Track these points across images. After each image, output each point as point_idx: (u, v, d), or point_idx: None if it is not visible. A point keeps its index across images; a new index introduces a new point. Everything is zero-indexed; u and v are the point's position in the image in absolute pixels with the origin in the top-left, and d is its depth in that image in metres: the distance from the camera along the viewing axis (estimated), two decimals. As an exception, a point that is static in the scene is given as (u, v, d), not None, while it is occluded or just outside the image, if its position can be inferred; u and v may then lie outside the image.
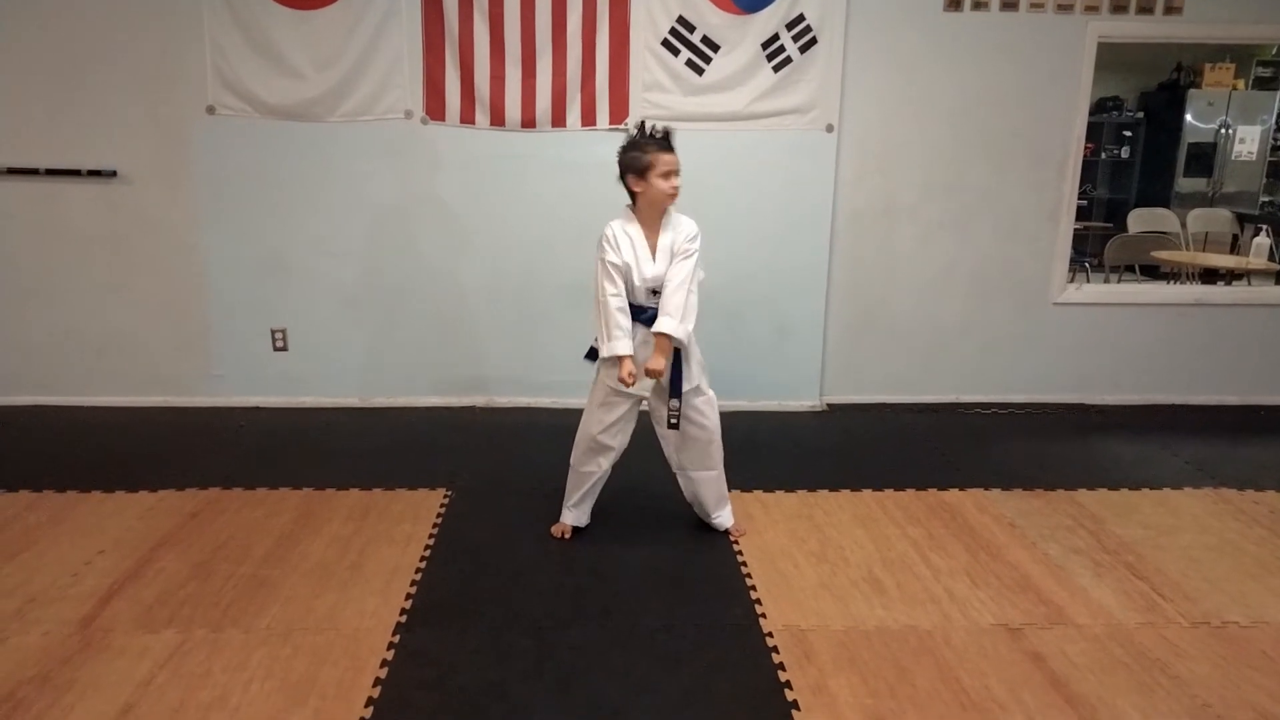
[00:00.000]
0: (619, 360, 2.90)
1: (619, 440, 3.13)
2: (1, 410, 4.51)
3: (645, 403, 3.12)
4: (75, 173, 4.31)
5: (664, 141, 2.89)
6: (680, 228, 2.95)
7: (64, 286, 4.47)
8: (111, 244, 4.44)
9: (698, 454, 3.14)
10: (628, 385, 2.93)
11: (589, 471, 3.17)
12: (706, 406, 3.10)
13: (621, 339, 2.90)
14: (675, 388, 3.00)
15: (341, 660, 2.45)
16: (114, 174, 4.33)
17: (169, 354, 4.58)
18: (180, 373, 4.60)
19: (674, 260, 2.92)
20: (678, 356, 2.99)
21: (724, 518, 3.26)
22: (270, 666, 2.41)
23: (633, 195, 2.94)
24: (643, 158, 2.87)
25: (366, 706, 2.26)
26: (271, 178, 4.38)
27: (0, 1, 4.14)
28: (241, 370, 4.61)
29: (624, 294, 2.93)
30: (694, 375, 3.04)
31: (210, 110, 4.27)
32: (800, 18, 4.23)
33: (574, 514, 3.24)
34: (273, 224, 4.44)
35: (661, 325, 2.88)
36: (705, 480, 3.20)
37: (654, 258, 2.94)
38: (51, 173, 4.31)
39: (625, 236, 2.93)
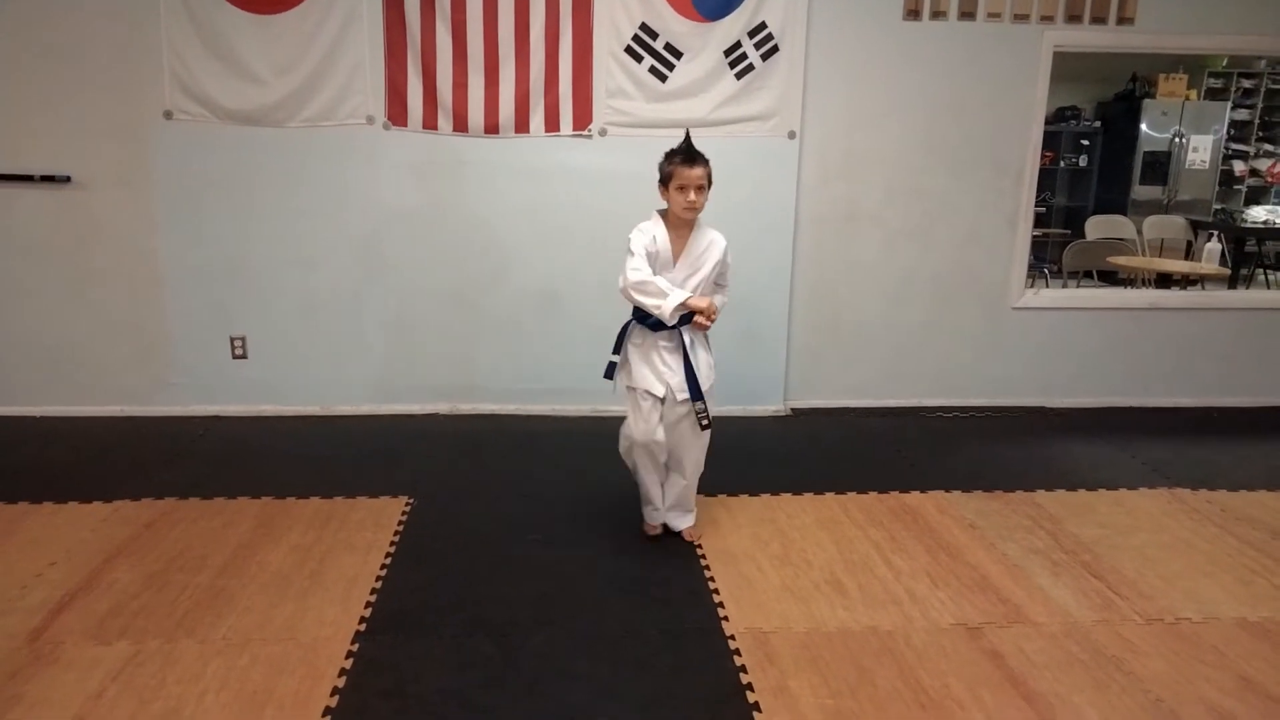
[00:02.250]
0: (685, 305, 2.91)
1: (661, 434, 3.11)
2: (-49, 421, 4.41)
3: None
4: (28, 178, 4.23)
5: (688, 155, 2.92)
6: (712, 243, 3.02)
7: (16, 294, 4.38)
8: (66, 251, 4.36)
9: (688, 459, 3.17)
10: (712, 321, 2.96)
11: (646, 472, 3.18)
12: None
13: (674, 291, 2.90)
14: (694, 391, 3.02)
15: (299, 670, 2.41)
16: (68, 180, 4.25)
17: (126, 362, 4.50)
18: (137, 382, 4.52)
19: (727, 278, 3.11)
20: (690, 365, 3.02)
21: (674, 520, 3.28)
22: (226, 677, 2.38)
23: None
24: (665, 168, 2.94)
25: (324, 716, 2.23)
26: (231, 183, 4.33)
27: (-50, 4, 4.07)
28: (200, 379, 4.54)
29: (651, 269, 2.96)
30: (705, 377, 3.09)
31: (168, 115, 4.21)
32: (762, 25, 4.27)
33: (656, 513, 3.26)
34: (232, 230, 4.39)
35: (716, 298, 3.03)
36: (674, 483, 3.22)
37: (674, 264, 2.99)
38: (3, 178, 4.22)
39: (650, 236, 2.97)
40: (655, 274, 2.94)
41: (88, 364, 4.49)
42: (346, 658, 2.47)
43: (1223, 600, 2.88)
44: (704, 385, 3.07)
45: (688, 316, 2.99)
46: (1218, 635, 2.67)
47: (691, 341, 3.04)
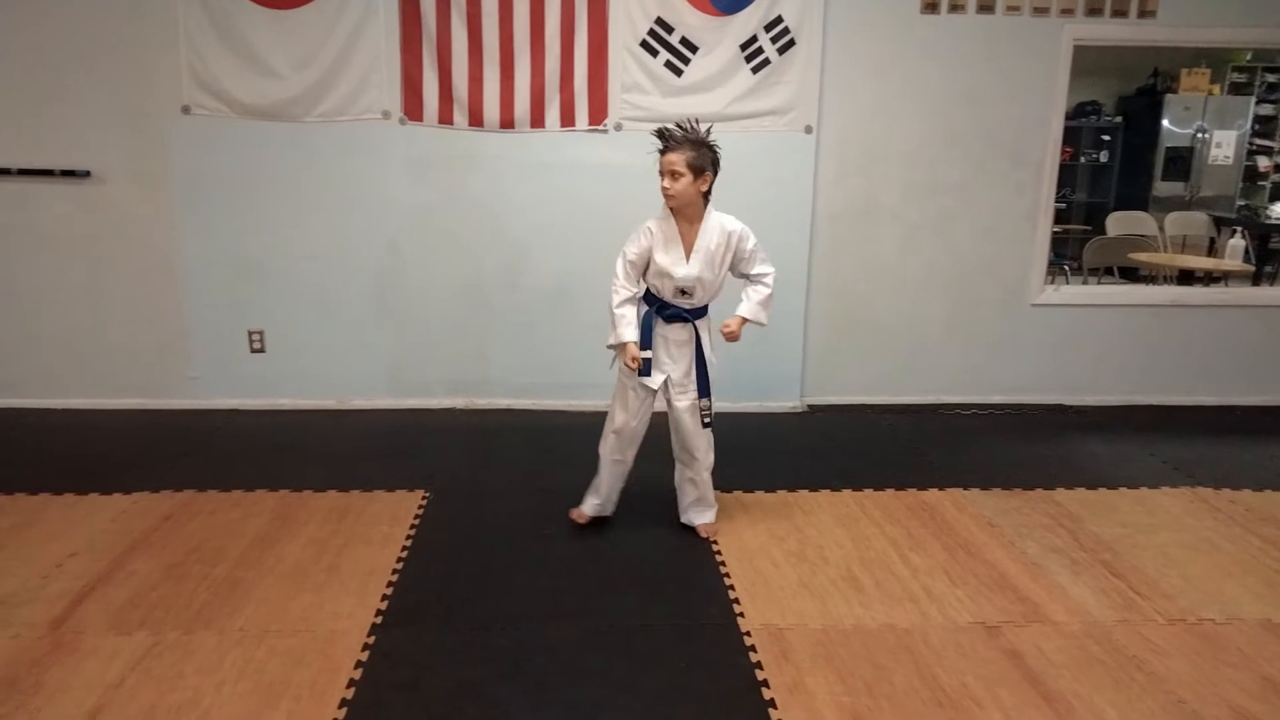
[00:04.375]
0: (622, 347, 2.98)
1: (638, 430, 3.15)
2: (-26, 413, 4.46)
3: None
4: (48, 173, 4.26)
5: (659, 140, 2.90)
6: (726, 230, 2.97)
7: (36, 288, 4.42)
8: (85, 245, 4.39)
9: (698, 450, 3.17)
10: (632, 369, 2.98)
11: (612, 461, 3.19)
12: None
13: (625, 327, 2.97)
14: (703, 387, 3.04)
15: (315, 661, 2.42)
16: (88, 174, 4.28)
17: (144, 356, 4.53)
18: (156, 375, 4.55)
19: (755, 262, 3.03)
20: (700, 358, 3.05)
21: (694, 516, 3.27)
22: (243, 668, 2.39)
23: None
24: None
25: (340, 708, 2.23)
26: (248, 178, 4.35)
27: (-28, -1, 4.10)
28: (218, 372, 4.57)
29: (633, 287, 3.00)
30: (710, 374, 3.11)
31: (185, 110, 4.23)
32: (779, 19, 4.24)
33: (595, 503, 3.27)
34: (250, 225, 4.41)
35: (743, 309, 3.00)
36: (687, 478, 3.22)
37: (688, 259, 2.96)
38: (24, 173, 4.26)
39: (659, 234, 2.97)
40: (663, 269, 2.94)
41: (107, 357, 4.52)
42: (362, 650, 2.48)
43: (1246, 601, 2.84)
44: (710, 380, 3.09)
45: (701, 311, 3.02)
46: (1241, 636, 2.63)
47: (704, 337, 3.04)
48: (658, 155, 2.90)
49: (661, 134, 2.90)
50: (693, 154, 2.86)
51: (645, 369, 3.04)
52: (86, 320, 4.48)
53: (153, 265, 4.43)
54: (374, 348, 4.61)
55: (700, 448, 3.16)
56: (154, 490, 3.53)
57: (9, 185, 4.28)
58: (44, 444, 4.11)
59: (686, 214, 2.95)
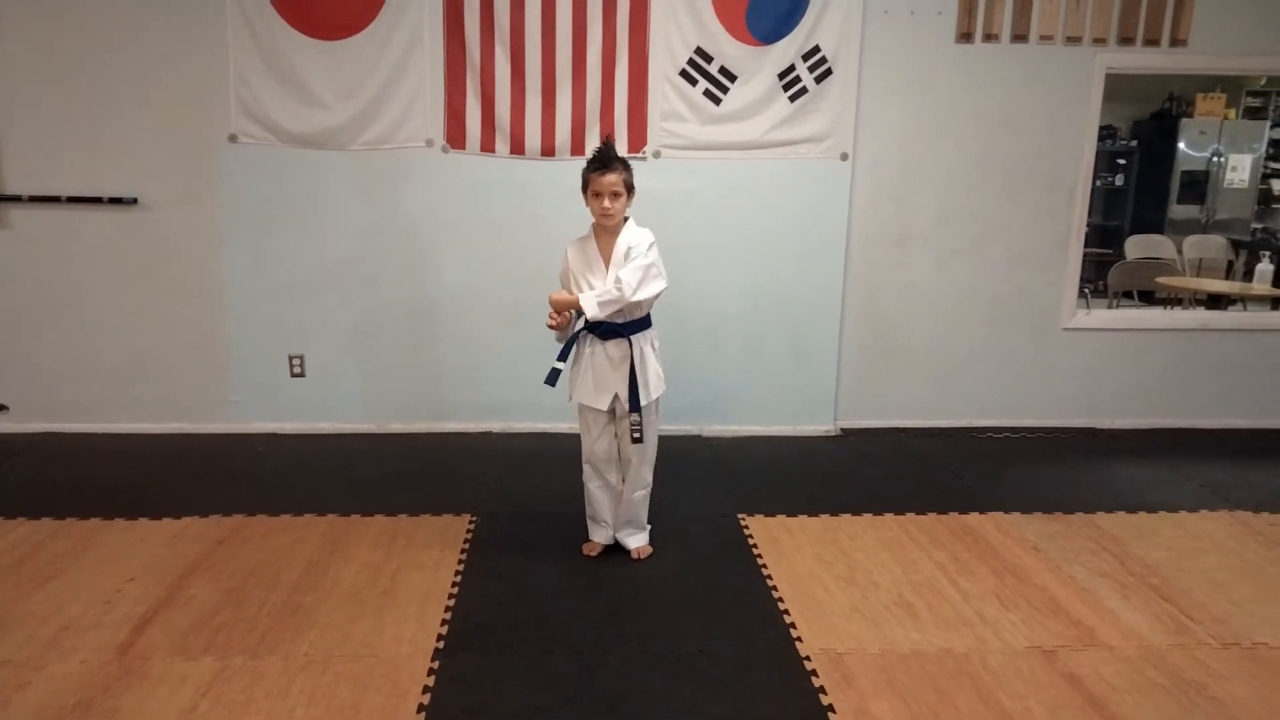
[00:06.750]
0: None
1: (608, 450, 3.18)
2: (21, 437, 4.48)
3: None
4: (97, 200, 4.32)
5: (601, 160, 2.93)
6: (636, 239, 2.97)
7: (84, 313, 4.47)
8: (132, 271, 4.44)
9: (628, 471, 3.19)
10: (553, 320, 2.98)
11: (593, 487, 3.24)
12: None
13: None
14: (634, 403, 3.03)
15: (383, 686, 2.45)
16: (135, 201, 4.34)
17: (188, 380, 4.57)
18: (198, 399, 4.59)
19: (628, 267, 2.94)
20: (634, 373, 3.02)
21: (623, 536, 3.28)
22: (313, 693, 2.41)
23: None
24: (585, 175, 2.97)
25: (413, 733, 2.26)
26: (292, 205, 4.41)
27: (23, 29, 4.17)
28: (259, 396, 4.61)
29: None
30: (652, 389, 3.08)
31: (232, 138, 4.30)
32: (816, 49, 4.31)
33: (597, 531, 3.30)
34: (292, 251, 4.46)
35: (582, 297, 2.91)
36: (629, 500, 3.24)
37: (607, 270, 2.99)
38: (73, 200, 4.32)
39: (578, 253, 3.04)
40: (582, 286, 2.98)
41: (151, 381, 4.56)
42: (428, 674, 2.50)
43: (1298, 625, 2.86)
44: (652, 395, 3.07)
45: (638, 324, 3.03)
46: (1297, 660, 2.65)
47: (642, 351, 3.05)
48: (590, 175, 2.93)
49: (604, 156, 2.93)
50: (628, 174, 2.96)
51: (551, 378, 3.08)
52: (132, 345, 4.52)
53: (197, 291, 4.48)
54: (412, 372, 4.65)
55: (631, 463, 3.16)
56: (203, 515, 3.56)
57: (57, 212, 4.33)
58: (91, 469, 4.13)
59: (611, 230, 3.00)
